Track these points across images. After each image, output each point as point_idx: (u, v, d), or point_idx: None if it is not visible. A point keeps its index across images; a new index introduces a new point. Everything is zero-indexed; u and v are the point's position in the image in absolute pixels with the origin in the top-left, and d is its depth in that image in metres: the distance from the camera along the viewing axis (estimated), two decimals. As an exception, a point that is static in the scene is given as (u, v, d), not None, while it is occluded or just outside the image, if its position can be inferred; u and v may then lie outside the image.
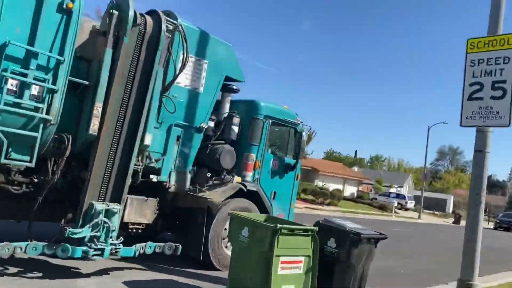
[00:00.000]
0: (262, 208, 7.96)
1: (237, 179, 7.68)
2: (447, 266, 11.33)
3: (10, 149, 5.18)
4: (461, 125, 6.65)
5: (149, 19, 6.11)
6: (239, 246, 5.52)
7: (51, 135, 5.40)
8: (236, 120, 7.87)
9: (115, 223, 5.75)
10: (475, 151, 6.66)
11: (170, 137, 6.85)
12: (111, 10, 5.68)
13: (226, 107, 8.12)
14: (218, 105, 8.02)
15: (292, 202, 8.81)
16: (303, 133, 8.44)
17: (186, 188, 7.20)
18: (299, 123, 8.68)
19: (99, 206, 5.63)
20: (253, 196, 7.88)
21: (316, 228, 5.36)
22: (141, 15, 6.03)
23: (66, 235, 5.38)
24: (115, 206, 5.76)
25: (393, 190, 52.66)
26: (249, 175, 7.93)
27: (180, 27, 6.42)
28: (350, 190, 48.95)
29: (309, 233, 5.31)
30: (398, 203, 44.73)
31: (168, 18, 6.40)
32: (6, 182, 5.50)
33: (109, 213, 5.69)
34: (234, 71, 7.75)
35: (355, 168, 65.85)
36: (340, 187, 44.54)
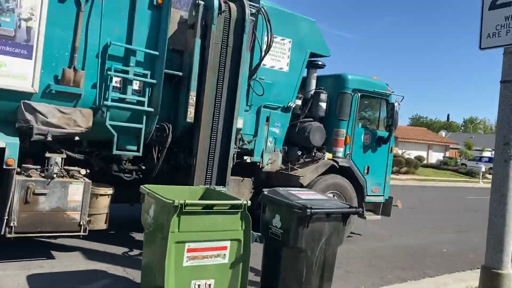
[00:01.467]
0: (356, 184, 7.87)
1: (328, 155, 7.64)
2: None
3: (119, 141, 5.69)
4: (480, 48, 4.81)
5: (232, 5, 6.21)
6: (146, 231, 4.28)
7: (153, 125, 5.81)
8: (324, 96, 7.78)
9: None
10: (502, 82, 4.62)
11: (260, 119, 7.01)
12: (197, 1, 5.86)
13: (313, 84, 8.05)
14: (304, 83, 8.00)
15: (388, 175, 8.56)
16: (395, 104, 8.09)
17: (279, 167, 7.35)
18: (390, 94, 8.33)
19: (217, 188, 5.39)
20: (346, 172, 7.81)
21: (247, 202, 4.01)
22: (225, 2, 6.15)
23: None
24: (222, 189, 5.50)
25: (487, 153, 47.84)
26: (340, 151, 7.84)
27: (262, 9, 6.44)
28: (435, 156, 45.92)
29: (238, 209, 3.97)
30: (490, 168, 40.65)
31: (251, 2, 6.44)
32: (119, 170, 6.06)
33: None
34: (319, 46, 7.63)
35: (443, 133, 60.95)
36: (423, 154, 41.99)
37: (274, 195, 4.70)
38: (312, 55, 7.70)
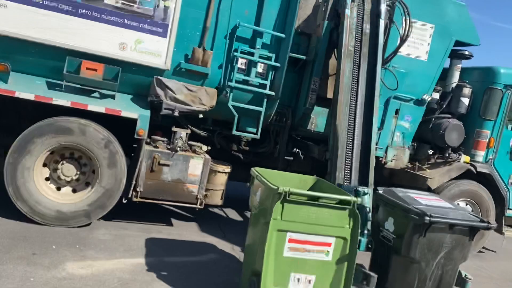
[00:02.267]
0: (496, 194, 6.85)
1: (465, 158, 6.76)
2: None
3: (240, 122, 5.80)
4: None
5: None
6: (252, 214, 4.21)
7: (273, 109, 5.79)
8: (467, 90, 6.84)
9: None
10: None
11: (387, 110, 6.48)
12: None
13: (455, 76, 7.14)
14: (445, 74, 7.15)
15: (539, 189, 7.28)
16: (561, 106, 6.76)
17: (404, 165, 6.74)
18: (551, 94, 6.98)
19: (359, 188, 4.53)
20: (485, 180, 6.84)
21: (357, 200, 3.68)
22: None
23: None
24: (365, 189, 4.43)
25: None
26: (480, 154, 6.87)
27: (398, 3, 5.86)
28: None
29: (347, 205, 3.64)
30: None
31: None
32: (237, 150, 6.21)
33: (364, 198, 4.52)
34: (466, 33, 6.69)
35: None
36: None
37: (389, 196, 4.23)
38: (458, 43, 6.81)
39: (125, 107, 5.13)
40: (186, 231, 5.69)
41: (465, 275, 3.91)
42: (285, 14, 5.56)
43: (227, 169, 5.76)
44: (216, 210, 6.89)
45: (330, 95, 5.90)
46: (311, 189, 4.53)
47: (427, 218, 3.69)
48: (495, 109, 6.79)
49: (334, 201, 3.75)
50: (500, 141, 6.87)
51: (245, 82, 5.53)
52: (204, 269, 4.61)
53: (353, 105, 5.51)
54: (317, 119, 6.19)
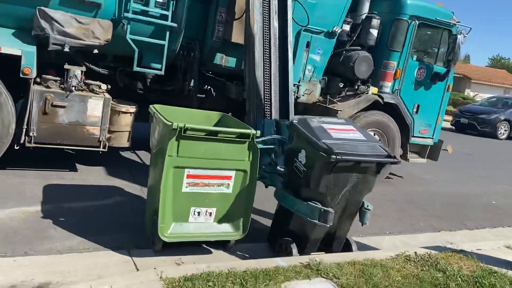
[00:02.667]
0: (402, 123, 7.20)
1: (373, 90, 6.95)
2: None
3: (143, 58, 5.43)
4: None
5: None
6: (152, 154, 4.06)
7: (178, 42, 5.46)
8: (376, 22, 6.90)
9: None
10: None
11: (298, 44, 6.39)
12: None
13: (365, 7, 7.13)
14: (355, 5, 7.12)
15: (440, 116, 7.74)
16: (459, 36, 7.06)
17: (316, 99, 6.82)
18: (454, 24, 7.26)
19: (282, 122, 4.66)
20: (392, 110, 7.13)
21: (256, 132, 3.63)
22: None
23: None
24: (287, 122, 4.48)
25: None
26: (387, 85, 7.09)
27: None
28: (515, 101, 41.93)
29: (246, 139, 3.60)
30: None
31: None
32: (143, 89, 5.88)
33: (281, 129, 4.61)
34: (375, -37, 6.66)
35: (524, 76, 54.74)
36: (499, 98, 38.39)
37: (302, 127, 4.02)
38: (368, -26, 6.78)
39: (5, 42, 4.55)
40: (92, 176, 5.42)
41: (367, 205, 4.05)
42: None
43: (132, 109, 5.45)
44: (127, 153, 6.61)
45: (236, 39, 5.63)
46: (216, 125, 4.42)
47: (334, 156, 3.55)
48: (401, 40, 6.95)
49: (234, 135, 3.68)
50: (406, 72, 7.10)
51: (144, 13, 5.11)
52: (108, 212, 4.44)
53: (267, 41, 5.29)
54: (229, 54, 5.97)
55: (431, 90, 7.42)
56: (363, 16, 7.05)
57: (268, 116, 5.06)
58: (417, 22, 6.93)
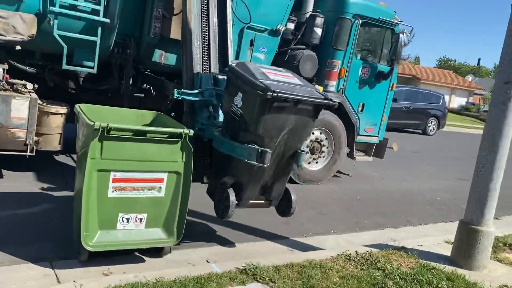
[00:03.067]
0: (348, 122, 7.22)
1: (319, 88, 6.90)
2: None
3: (74, 55, 5.10)
4: None
5: None
6: (78, 157, 3.79)
7: (111, 39, 5.17)
8: (320, 20, 6.88)
9: None
10: None
11: (242, 42, 6.26)
12: None
13: (309, 6, 7.11)
14: (299, 3, 7.09)
15: (385, 114, 7.84)
16: (401, 36, 7.17)
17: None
18: (397, 24, 7.37)
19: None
20: (337, 108, 7.12)
21: (189, 131, 3.46)
22: None
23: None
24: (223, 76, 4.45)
25: None
26: (332, 84, 7.09)
27: None
28: (458, 101, 44.13)
29: (178, 138, 3.42)
30: None
31: None
32: (76, 88, 5.53)
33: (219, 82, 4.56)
34: (318, -39, 6.64)
35: (469, 78, 57.88)
36: (446, 98, 40.35)
37: (240, 69, 3.89)
38: (311, -29, 6.75)
39: None
40: (19, 182, 5.02)
41: (302, 148, 3.97)
42: None
43: (62, 109, 5.10)
44: (62, 157, 6.21)
45: (176, 35, 5.40)
46: (151, 124, 4.18)
47: (270, 93, 3.45)
48: (345, 39, 6.96)
49: (165, 135, 3.46)
50: (350, 71, 7.12)
51: (73, 7, 4.79)
52: (32, 222, 4.09)
53: (206, 38, 5.10)
54: (168, 51, 5.73)
55: (375, 89, 7.49)
56: (307, 15, 7.01)
57: (208, 117, 4.90)
58: (360, 21, 6.97)
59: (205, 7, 5.05)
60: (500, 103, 3.77)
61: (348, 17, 6.92)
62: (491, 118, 3.88)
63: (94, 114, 3.61)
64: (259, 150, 3.59)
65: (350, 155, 7.60)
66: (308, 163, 7.00)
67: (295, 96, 3.62)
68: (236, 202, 3.80)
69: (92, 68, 5.12)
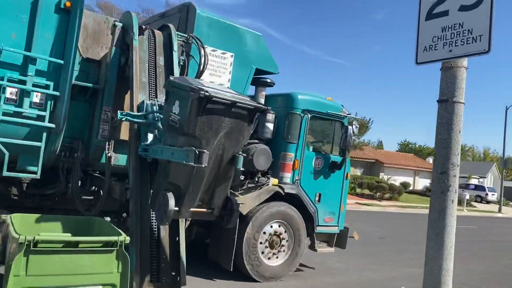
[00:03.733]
0: (305, 213, 7.17)
1: (274, 181, 6.95)
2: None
3: (19, 161, 4.98)
4: (416, 63, 4.07)
5: (157, 32, 5.67)
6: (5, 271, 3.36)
7: (57, 143, 5.11)
8: (271, 116, 7.13)
9: None
10: (439, 102, 3.82)
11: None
12: (114, 22, 5.38)
13: (261, 103, 7.41)
14: (251, 101, 7.40)
15: (343, 204, 7.87)
16: (350, 127, 7.47)
17: (216, 193, 6.63)
18: (345, 116, 7.72)
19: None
20: (295, 200, 7.12)
21: (124, 239, 3.41)
22: (148, 28, 5.58)
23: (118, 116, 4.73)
24: None
25: (473, 181, 48.12)
26: (287, 176, 7.15)
27: (192, 38, 5.90)
28: (422, 183, 45.47)
29: (113, 247, 3.29)
30: (477, 196, 41.03)
31: (179, 33, 5.86)
32: (20, 194, 5.32)
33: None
34: (266, 62, 7.07)
35: (430, 160, 60.67)
36: (410, 180, 41.56)
37: (178, 80, 4.20)
38: (259, 72, 7.13)
39: None
40: None
41: (240, 153, 4.17)
42: (64, 38, 5.02)
43: (3, 217, 4.83)
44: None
45: (125, 136, 5.45)
46: (89, 232, 3.99)
47: (202, 92, 3.70)
48: (296, 133, 7.18)
49: (99, 244, 3.29)
50: (304, 162, 7.25)
51: (17, 115, 4.77)
52: None
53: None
54: (118, 151, 5.69)
55: (330, 179, 7.59)
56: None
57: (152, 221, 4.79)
58: (309, 115, 7.26)
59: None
60: (439, 193, 3.83)
61: (297, 112, 7.21)
62: (433, 207, 3.91)
63: (28, 224, 3.45)
64: (197, 152, 3.71)
65: (312, 246, 7.44)
66: (268, 259, 6.76)
67: (227, 99, 3.87)
68: (177, 208, 3.86)
69: (36, 173, 4.98)
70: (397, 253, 10.72)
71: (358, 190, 31.80)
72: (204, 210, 4.12)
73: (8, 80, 4.70)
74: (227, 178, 4.15)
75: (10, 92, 4.75)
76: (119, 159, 5.76)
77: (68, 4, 4.95)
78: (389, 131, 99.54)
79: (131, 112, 4.84)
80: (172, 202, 3.80)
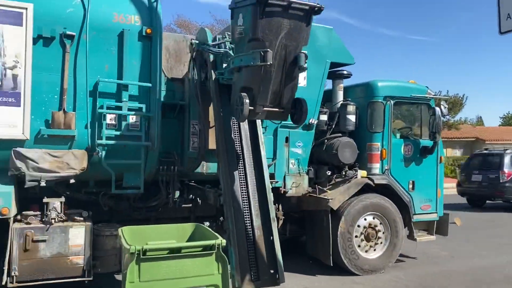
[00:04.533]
0: (400, 202, 6.96)
1: (362, 173, 6.86)
2: None
3: (124, 179, 5.53)
4: (500, 32, 3.87)
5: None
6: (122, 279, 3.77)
7: (155, 159, 5.58)
8: (351, 107, 7.05)
9: None
10: None
11: (277, 140, 6.50)
12: (191, 40, 5.76)
13: (339, 96, 7.37)
14: (330, 95, 7.37)
15: (439, 189, 7.51)
16: (438, 108, 7.10)
17: (305, 190, 6.73)
18: (431, 98, 7.37)
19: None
20: (387, 190, 6.95)
21: (221, 242, 3.62)
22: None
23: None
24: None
25: None
26: (376, 167, 7.01)
27: None
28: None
29: (211, 250, 3.50)
30: None
31: None
32: (128, 208, 5.90)
33: None
34: (340, 55, 7.00)
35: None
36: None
37: None
38: (334, 65, 7.09)
39: (-19, 186, 4.71)
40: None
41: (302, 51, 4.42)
42: (149, 62, 5.46)
43: (116, 231, 5.40)
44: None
45: (213, 145, 5.74)
46: (191, 237, 4.33)
47: None
48: (380, 121, 7.01)
49: (199, 249, 3.57)
50: (392, 151, 7.05)
51: (118, 137, 5.31)
52: None
53: (238, 143, 5.42)
54: (209, 160, 6.05)
55: (423, 165, 7.30)
56: (339, 104, 7.23)
57: (248, 220, 5.00)
58: (391, 101, 7.05)
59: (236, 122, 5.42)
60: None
61: (379, 100, 7.04)
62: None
63: (136, 235, 3.83)
64: (261, 52, 4.10)
65: (410, 236, 7.21)
66: (366, 251, 6.69)
67: (283, 0, 4.14)
68: (252, 108, 4.33)
69: (139, 188, 5.49)
70: (508, 236, 9.90)
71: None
72: (276, 109, 4.54)
73: (107, 108, 5.25)
74: (292, 78, 4.50)
75: (110, 118, 5.30)
76: (210, 168, 6.12)
77: (148, 31, 5.38)
78: (488, 105, 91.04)
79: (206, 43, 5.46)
80: (247, 100, 4.27)
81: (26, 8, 4.84)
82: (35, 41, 4.90)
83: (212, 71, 5.41)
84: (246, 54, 4.31)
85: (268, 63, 4.11)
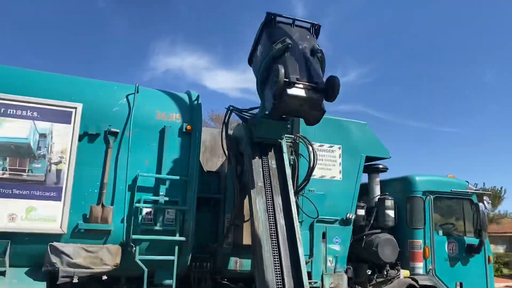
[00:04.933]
0: (448, 306, 6.42)
1: (405, 273, 6.45)
2: None
3: (156, 276, 5.35)
4: None
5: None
6: None
7: (188, 255, 5.42)
8: (390, 202, 6.85)
9: None
10: None
11: (314, 236, 6.28)
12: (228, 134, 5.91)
13: (376, 190, 7.21)
14: (366, 189, 7.23)
15: (491, 290, 6.92)
16: (481, 204, 6.81)
17: (344, 291, 6.32)
18: (473, 192, 7.10)
19: None
20: (432, 292, 6.45)
21: None
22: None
23: None
24: None
25: None
26: (419, 265, 6.60)
27: (299, 138, 6.18)
28: None
29: None
30: None
31: (286, 135, 6.05)
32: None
33: None
34: (374, 148, 6.99)
35: None
36: None
37: None
38: (370, 159, 7.05)
39: (16, 285, 4.63)
40: None
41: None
42: (188, 156, 5.56)
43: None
44: None
45: (248, 241, 5.62)
46: None
47: None
48: (420, 217, 6.75)
49: None
50: (435, 249, 6.66)
51: (152, 232, 5.24)
52: None
53: (274, 239, 5.21)
54: (242, 257, 5.85)
55: (470, 265, 6.86)
56: (376, 199, 7.05)
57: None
58: (431, 197, 6.83)
59: (271, 212, 5.28)
60: None
61: (418, 195, 6.83)
62: None
63: None
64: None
65: None
66: None
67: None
68: (287, 80, 4.49)
69: (171, 286, 5.27)
70: None
71: (505, 271, 27.59)
72: (312, 84, 4.65)
73: (144, 202, 5.27)
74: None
75: (146, 212, 5.29)
76: (244, 265, 5.89)
77: (189, 127, 5.56)
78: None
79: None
80: (282, 71, 4.47)
81: (76, 108, 5.14)
82: (80, 137, 5.12)
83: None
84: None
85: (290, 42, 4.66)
